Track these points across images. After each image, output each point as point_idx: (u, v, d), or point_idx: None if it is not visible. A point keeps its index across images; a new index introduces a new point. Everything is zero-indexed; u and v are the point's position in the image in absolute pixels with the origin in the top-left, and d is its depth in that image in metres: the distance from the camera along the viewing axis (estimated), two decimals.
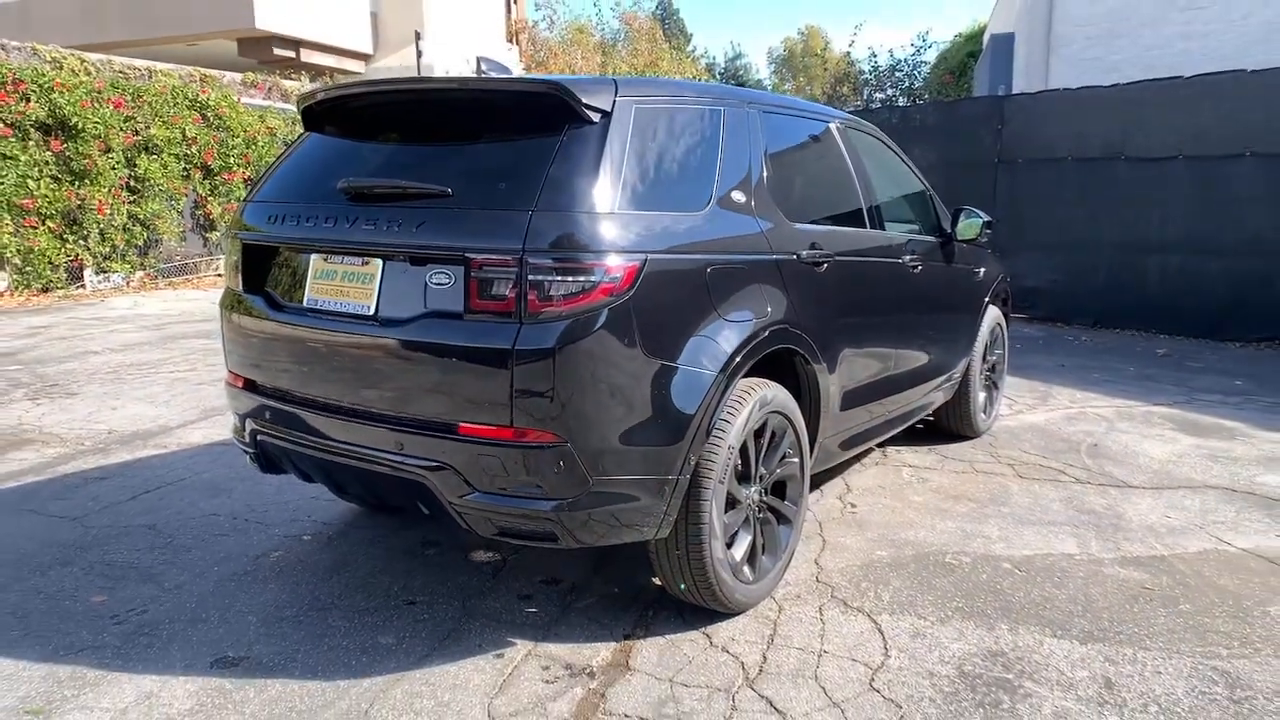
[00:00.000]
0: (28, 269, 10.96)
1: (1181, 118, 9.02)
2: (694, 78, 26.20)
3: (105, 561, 3.35)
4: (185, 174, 12.74)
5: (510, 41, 28.71)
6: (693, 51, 39.60)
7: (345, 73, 23.55)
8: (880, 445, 4.99)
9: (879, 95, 22.07)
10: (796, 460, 3.21)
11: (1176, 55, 12.79)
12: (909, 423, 4.49)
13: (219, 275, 13.25)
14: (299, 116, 3.17)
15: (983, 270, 5.02)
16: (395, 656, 2.70)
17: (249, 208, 3.08)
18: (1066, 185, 9.83)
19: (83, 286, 11.65)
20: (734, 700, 2.49)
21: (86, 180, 11.30)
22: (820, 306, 3.32)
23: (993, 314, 5.20)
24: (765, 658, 2.73)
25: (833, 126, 3.86)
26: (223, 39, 21.79)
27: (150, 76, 12.86)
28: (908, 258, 4.04)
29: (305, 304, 2.80)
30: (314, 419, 2.78)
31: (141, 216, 12.15)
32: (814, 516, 3.89)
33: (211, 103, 13.14)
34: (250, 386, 3.01)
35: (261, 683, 2.55)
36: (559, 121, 2.58)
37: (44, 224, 10.96)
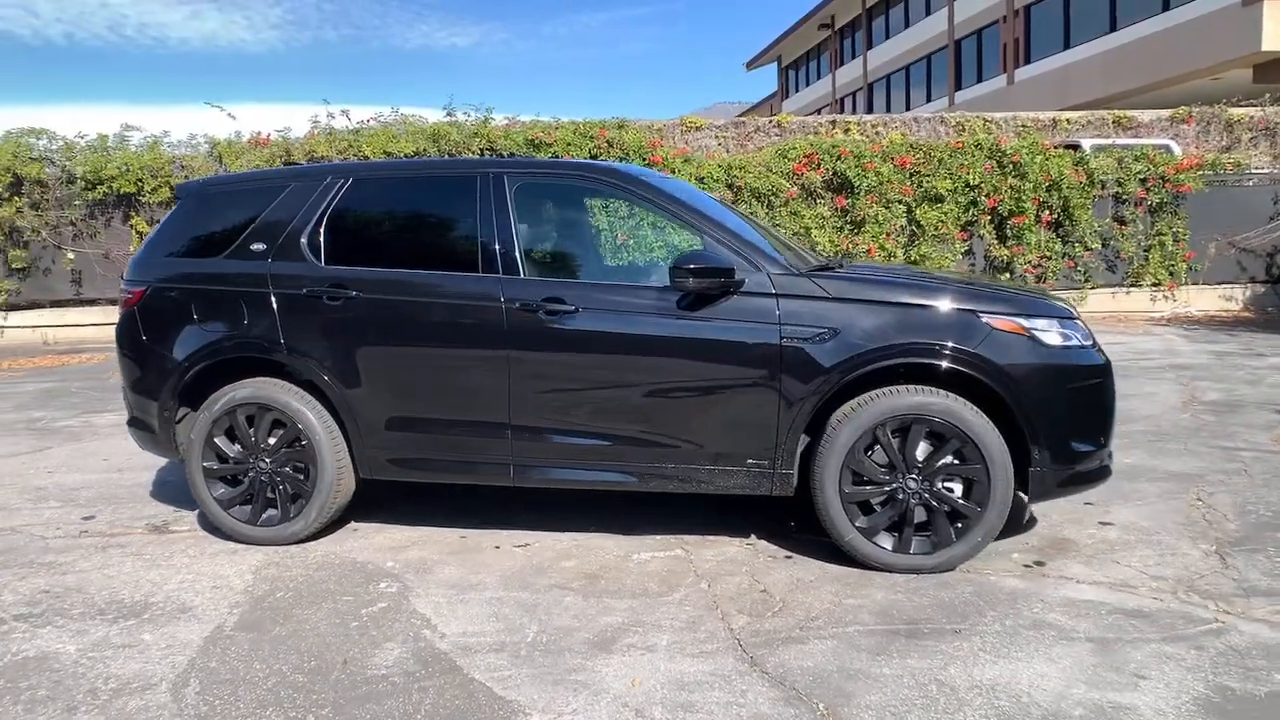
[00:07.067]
0: None
1: None
2: None
3: None
4: (973, 220, 12.93)
5: None
6: None
7: None
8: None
9: None
10: (313, 452, 3.92)
11: None
12: (589, 480, 3.89)
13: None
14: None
15: (833, 340, 3.56)
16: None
17: None
18: None
19: None
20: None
21: (862, 229, 12.63)
22: (336, 334, 3.93)
23: (904, 401, 3.52)
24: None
25: (489, 185, 3.94)
26: (1236, 69, 20.52)
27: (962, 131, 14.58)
28: (542, 301, 3.75)
29: None
30: None
31: (913, 258, 12.71)
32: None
33: (1009, 150, 13.03)
34: None
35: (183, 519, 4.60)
36: None
37: None
